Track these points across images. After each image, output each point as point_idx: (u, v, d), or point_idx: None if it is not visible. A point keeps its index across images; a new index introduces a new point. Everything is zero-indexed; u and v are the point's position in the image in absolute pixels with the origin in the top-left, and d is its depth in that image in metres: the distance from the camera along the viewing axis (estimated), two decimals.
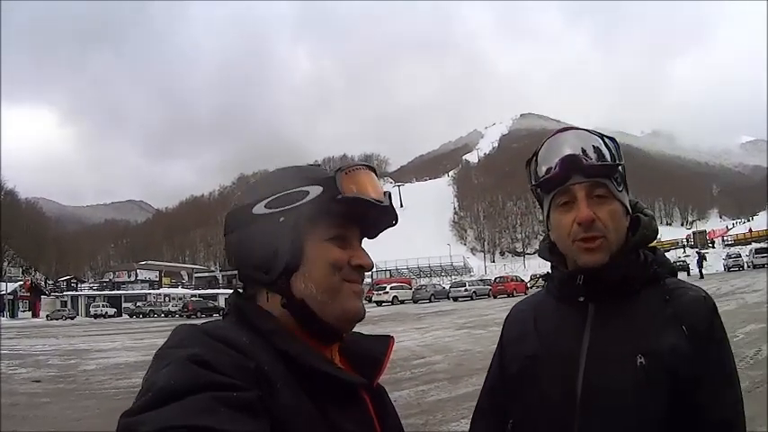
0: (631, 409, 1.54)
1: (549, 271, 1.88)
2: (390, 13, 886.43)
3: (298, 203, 1.23)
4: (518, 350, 1.80)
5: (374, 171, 1.32)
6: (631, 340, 1.60)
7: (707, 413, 1.54)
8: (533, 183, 1.75)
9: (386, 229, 1.36)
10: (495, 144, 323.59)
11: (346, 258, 1.24)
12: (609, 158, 1.66)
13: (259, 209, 1.25)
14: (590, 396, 1.60)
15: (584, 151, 1.64)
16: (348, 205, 1.23)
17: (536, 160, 1.74)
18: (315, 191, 1.24)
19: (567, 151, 1.64)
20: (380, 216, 1.30)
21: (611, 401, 1.56)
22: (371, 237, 1.36)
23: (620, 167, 1.69)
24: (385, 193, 1.28)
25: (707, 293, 1.73)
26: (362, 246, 1.33)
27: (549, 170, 1.67)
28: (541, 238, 1.96)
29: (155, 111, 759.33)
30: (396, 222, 1.34)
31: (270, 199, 1.25)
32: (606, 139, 1.70)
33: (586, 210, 1.61)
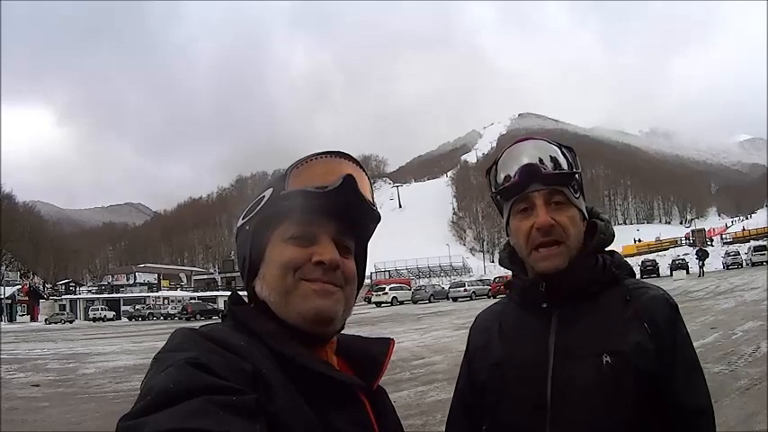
0: (600, 408, 1.59)
1: (510, 280, 1.95)
2: (389, 11, 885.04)
3: (257, 209, 1.27)
4: (484, 358, 1.86)
5: (345, 157, 1.30)
6: (596, 341, 1.66)
7: (681, 402, 1.62)
8: (493, 190, 1.83)
9: (362, 214, 1.30)
10: (494, 144, 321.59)
11: (304, 257, 1.22)
12: (566, 167, 1.74)
13: (239, 222, 1.32)
14: (560, 397, 1.65)
15: (541, 161, 1.71)
16: (292, 201, 1.22)
17: (495, 169, 1.83)
18: (268, 193, 1.27)
19: (526, 160, 1.72)
20: (336, 203, 1.23)
21: (580, 401, 1.61)
22: (359, 232, 1.33)
23: (576, 176, 1.76)
24: (347, 176, 1.23)
25: (666, 292, 1.79)
26: (347, 242, 1.29)
27: (507, 178, 1.76)
28: (501, 247, 2.01)
29: (152, 112, 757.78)
30: (366, 204, 1.28)
31: (245, 211, 1.30)
32: (564, 149, 1.79)
33: (545, 216, 1.68)
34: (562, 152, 1.77)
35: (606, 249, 1.84)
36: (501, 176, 1.79)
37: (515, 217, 1.77)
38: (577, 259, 1.73)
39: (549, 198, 1.71)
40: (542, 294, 1.75)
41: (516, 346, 1.78)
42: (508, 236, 1.85)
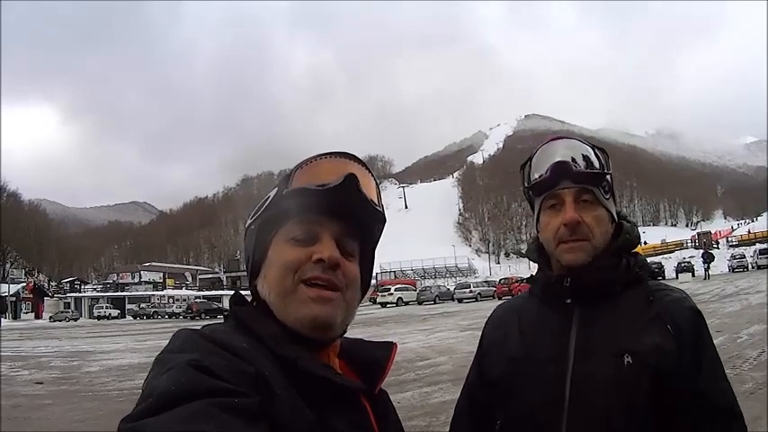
0: (620, 407, 1.60)
1: (533, 274, 1.96)
2: (395, 10, 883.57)
3: (262, 209, 1.28)
4: (501, 353, 1.86)
5: (351, 158, 1.29)
6: (617, 340, 1.67)
7: (714, 404, 1.63)
8: (526, 185, 1.86)
9: (365, 214, 1.27)
10: (500, 145, 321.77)
11: (304, 256, 1.20)
12: (597, 167, 1.76)
13: (247, 222, 1.32)
14: (578, 395, 1.65)
15: (573, 159, 1.74)
16: (293, 199, 1.22)
17: (530, 165, 1.84)
18: (272, 193, 1.28)
19: (559, 158, 1.74)
20: (337, 202, 1.21)
21: (599, 399, 1.62)
22: (365, 235, 1.32)
23: (607, 176, 1.79)
24: (348, 174, 1.21)
25: (688, 295, 1.81)
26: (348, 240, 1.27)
27: (540, 175, 1.78)
28: (530, 240, 2.02)
29: (157, 112, 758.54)
30: (369, 204, 1.26)
31: (252, 211, 1.31)
32: (597, 150, 1.82)
33: (572, 213, 1.71)
34: (595, 153, 1.79)
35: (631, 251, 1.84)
36: (534, 173, 1.81)
37: (545, 213, 1.80)
38: (601, 257, 1.75)
39: (579, 196, 1.73)
40: (567, 290, 1.76)
41: (536, 341, 1.79)
42: (538, 231, 1.87)
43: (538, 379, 1.73)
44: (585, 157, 1.76)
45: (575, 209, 1.73)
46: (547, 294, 1.85)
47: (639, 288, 1.77)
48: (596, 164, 1.77)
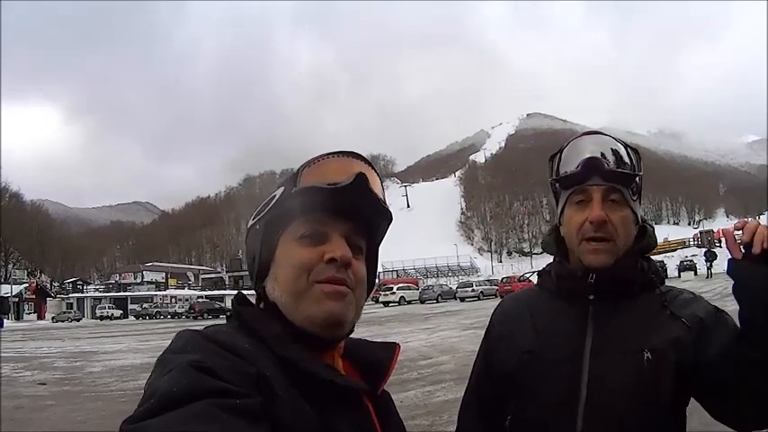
0: (638, 404, 1.61)
1: (545, 267, 1.95)
2: (397, 9, 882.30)
3: (267, 208, 1.27)
4: (513, 346, 1.83)
5: (357, 157, 1.29)
6: (635, 337, 1.67)
7: None
8: (554, 177, 1.84)
9: (374, 213, 1.28)
10: (502, 144, 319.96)
11: (316, 256, 1.20)
12: (629, 167, 1.75)
13: (250, 222, 1.31)
14: (596, 392, 1.65)
15: (604, 156, 1.72)
16: (303, 198, 1.21)
17: (560, 157, 1.83)
18: (279, 192, 1.27)
19: (590, 154, 1.72)
20: (348, 200, 1.22)
21: (618, 396, 1.62)
22: (371, 233, 1.32)
23: (637, 178, 1.77)
24: (359, 173, 1.21)
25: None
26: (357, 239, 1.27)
27: (570, 168, 1.76)
28: (547, 231, 2.00)
29: (159, 111, 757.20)
30: (379, 204, 1.27)
31: (256, 210, 1.30)
32: (629, 150, 1.78)
33: (599, 210, 1.69)
34: (627, 152, 1.77)
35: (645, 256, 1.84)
36: (564, 165, 1.79)
37: (571, 207, 1.78)
38: (623, 258, 1.74)
39: (607, 195, 1.72)
40: (591, 286, 1.74)
41: (551, 336, 1.77)
42: (560, 225, 1.86)
43: (552, 375, 1.71)
44: (618, 155, 1.74)
45: (602, 207, 1.70)
46: (563, 288, 1.83)
47: (653, 291, 1.77)
48: (628, 163, 1.75)
